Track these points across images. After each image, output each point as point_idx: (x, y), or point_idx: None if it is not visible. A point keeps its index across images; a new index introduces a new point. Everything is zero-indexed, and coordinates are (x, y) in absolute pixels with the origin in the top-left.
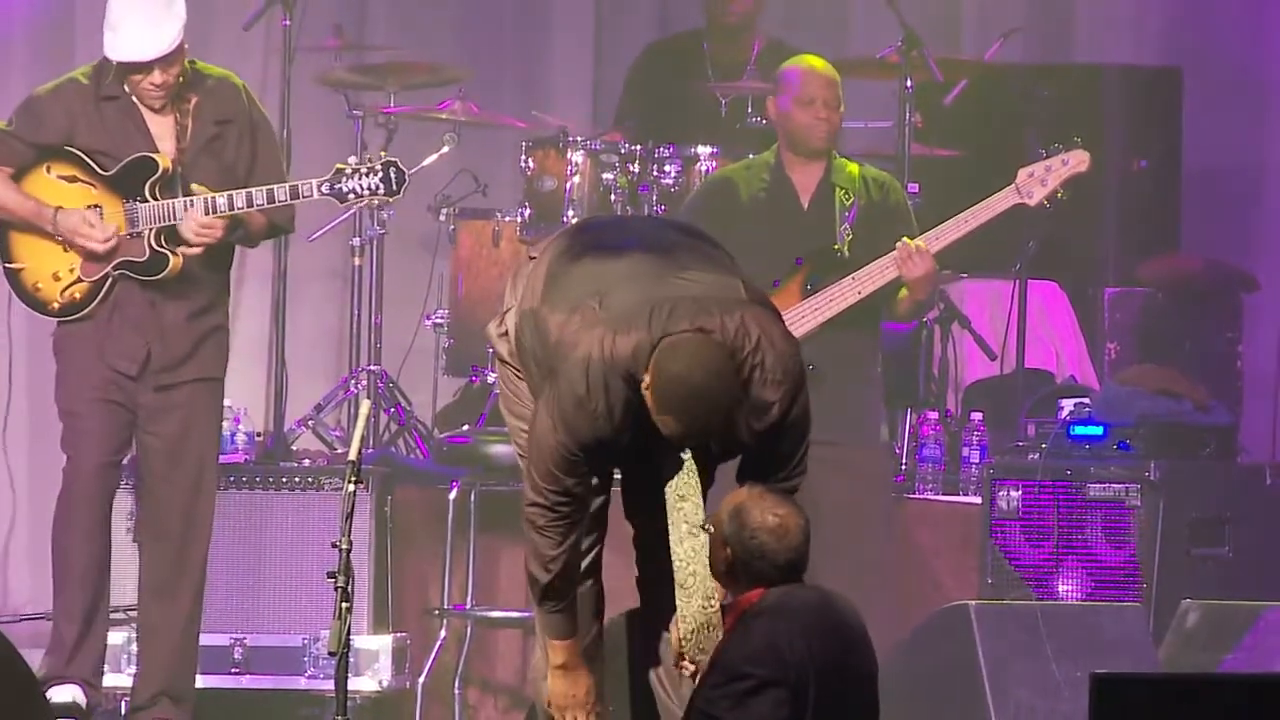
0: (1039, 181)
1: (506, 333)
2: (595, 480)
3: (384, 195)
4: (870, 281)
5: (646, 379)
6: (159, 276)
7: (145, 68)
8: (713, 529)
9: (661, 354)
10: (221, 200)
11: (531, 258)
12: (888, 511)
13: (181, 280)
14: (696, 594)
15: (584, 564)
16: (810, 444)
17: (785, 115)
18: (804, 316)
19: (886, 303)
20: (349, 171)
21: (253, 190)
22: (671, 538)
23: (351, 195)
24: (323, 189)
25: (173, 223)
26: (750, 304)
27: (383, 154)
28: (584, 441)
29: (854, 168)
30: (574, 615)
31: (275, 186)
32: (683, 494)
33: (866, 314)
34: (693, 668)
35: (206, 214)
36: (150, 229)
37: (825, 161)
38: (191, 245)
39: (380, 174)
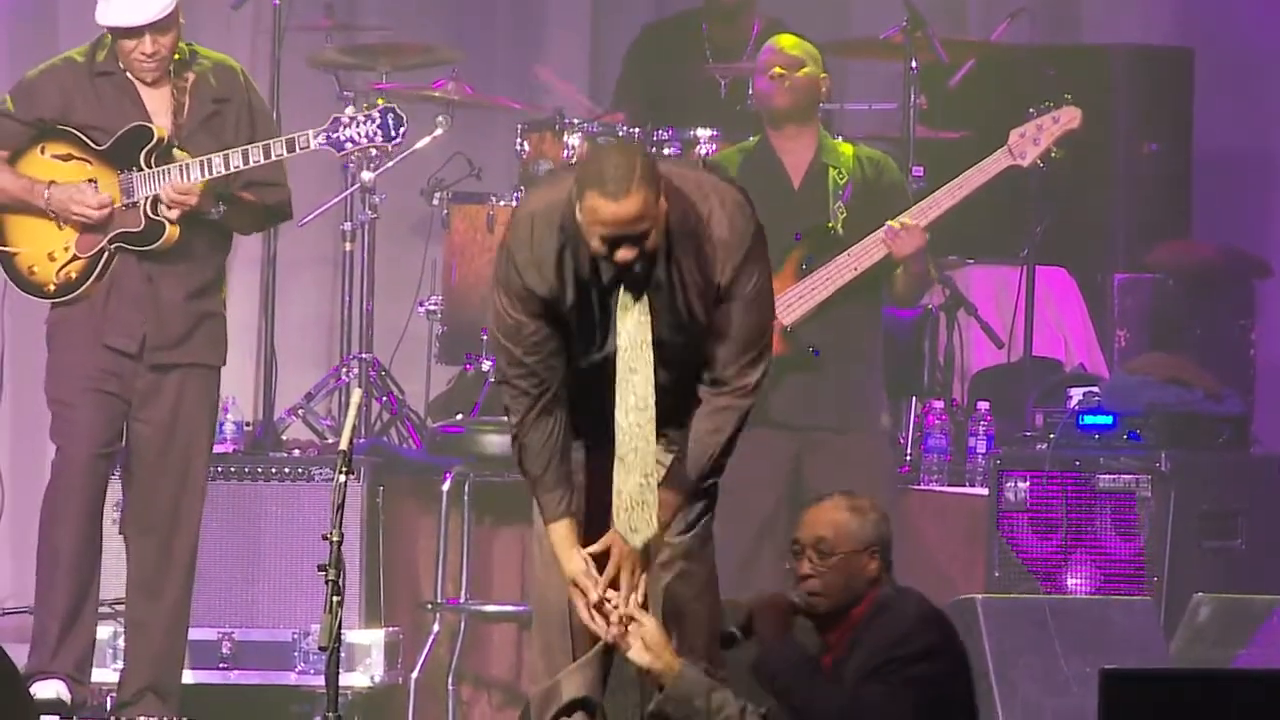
0: (1031, 141)
1: None
2: (551, 352)
3: (382, 141)
4: (866, 256)
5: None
6: (156, 245)
7: (136, 34)
8: (833, 540)
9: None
10: (218, 160)
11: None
12: (889, 502)
13: (180, 257)
14: (635, 470)
15: (549, 443)
16: (806, 427)
17: (758, 93)
18: (801, 297)
19: (886, 285)
20: (346, 120)
21: (249, 148)
22: (618, 410)
23: (349, 144)
24: (319, 140)
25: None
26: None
27: (380, 101)
28: (520, 297)
29: (847, 147)
30: (552, 498)
31: (272, 141)
32: (633, 367)
33: (866, 297)
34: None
35: (203, 175)
36: (146, 198)
37: (814, 140)
38: (171, 214)
39: (378, 121)
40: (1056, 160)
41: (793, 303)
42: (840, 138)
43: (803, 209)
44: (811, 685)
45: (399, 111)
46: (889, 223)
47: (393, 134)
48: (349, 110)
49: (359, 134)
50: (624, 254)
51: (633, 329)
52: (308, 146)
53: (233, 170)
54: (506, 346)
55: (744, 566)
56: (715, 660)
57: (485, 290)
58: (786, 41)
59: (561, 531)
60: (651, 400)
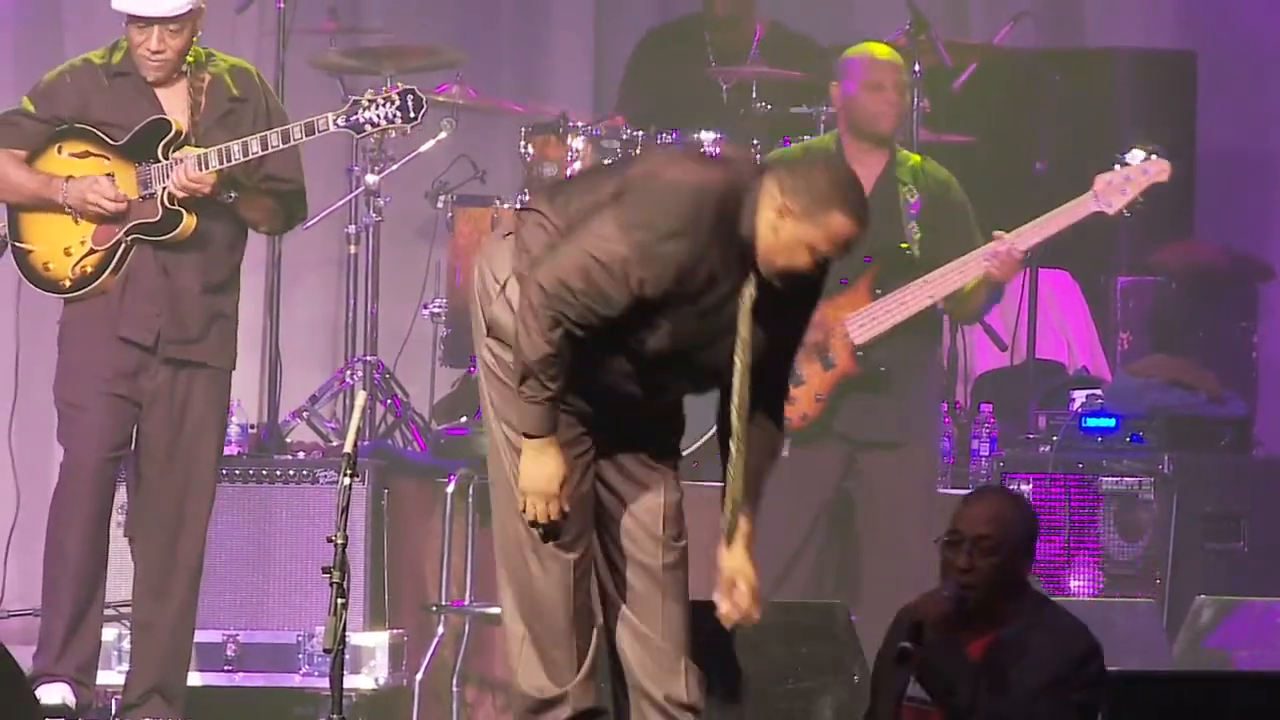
0: (1118, 190)
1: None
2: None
3: (401, 123)
4: (943, 286)
5: (779, 200)
6: (173, 234)
7: (145, 28)
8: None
9: (785, 167)
10: (235, 147)
11: (508, 234)
12: (925, 512)
13: (196, 249)
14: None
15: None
16: (862, 441)
17: (851, 100)
18: (875, 319)
19: (952, 298)
20: (365, 103)
21: (267, 134)
22: (734, 404)
23: (368, 125)
24: (338, 122)
25: None
26: None
27: (398, 84)
28: (637, 261)
29: (916, 159)
30: (555, 414)
31: (291, 125)
32: (743, 361)
33: (927, 312)
34: None
35: (220, 163)
36: (163, 187)
37: (888, 153)
38: (178, 196)
39: (397, 103)
40: (1139, 209)
41: (865, 323)
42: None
43: (874, 222)
44: (990, 697)
45: (418, 93)
46: (998, 231)
47: (412, 115)
48: (368, 92)
49: (378, 116)
50: (818, 270)
51: (743, 329)
52: (327, 129)
53: (251, 156)
54: (582, 301)
55: (789, 565)
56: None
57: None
58: (893, 57)
59: (551, 442)
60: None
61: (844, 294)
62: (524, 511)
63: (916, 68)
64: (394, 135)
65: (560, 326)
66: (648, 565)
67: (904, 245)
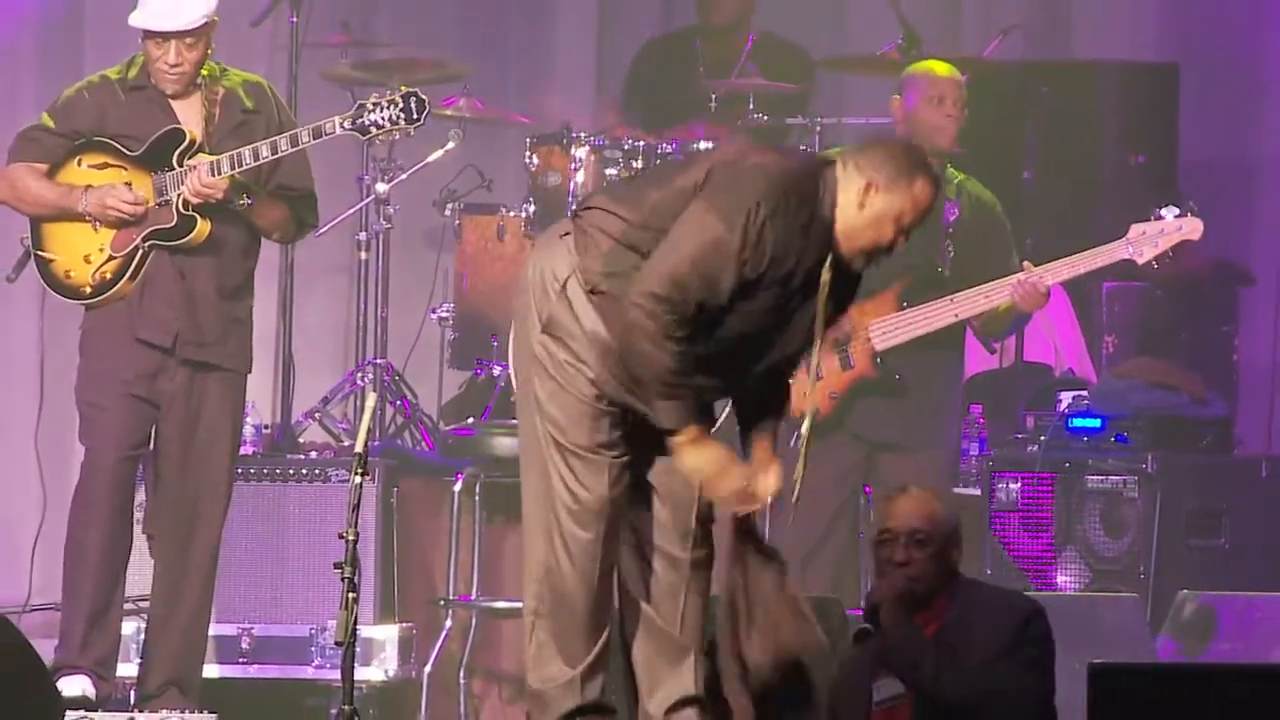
0: (1150, 242)
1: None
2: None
3: (405, 124)
4: (969, 308)
5: (862, 178)
6: (188, 238)
7: (162, 43)
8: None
9: (854, 150)
10: (246, 153)
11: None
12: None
13: (211, 254)
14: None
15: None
16: (879, 443)
17: (913, 114)
18: (898, 328)
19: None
20: (370, 106)
21: (277, 138)
22: (809, 377)
23: (374, 128)
24: (345, 125)
25: None
26: None
27: (402, 87)
28: (749, 246)
29: (961, 176)
30: (693, 403)
31: (299, 129)
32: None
33: (956, 327)
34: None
35: (232, 168)
36: (179, 194)
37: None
38: (192, 201)
39: (401, 105)
40: (1164, 264)
41: (888, 331)
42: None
43: (912, 236)
44: (951, 669)
45: (421, 95)
46: (1028, 264)
47: (415, 117)
48: (373, 96)
49: (383, 118)
50: (903, 242)
51: (824, 308)
52: (334, 132)
53: (262, 160)
54: (696, 297)
55: (806, 561)
56: None
57: (497, 296)
58: (954, 75)
59: (701, 431)
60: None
61: (872, 300)
62: (714, 507)
63: None
64: (398, 137)
65: (678, 329)
66: (676, 558)
67: (939, 268)
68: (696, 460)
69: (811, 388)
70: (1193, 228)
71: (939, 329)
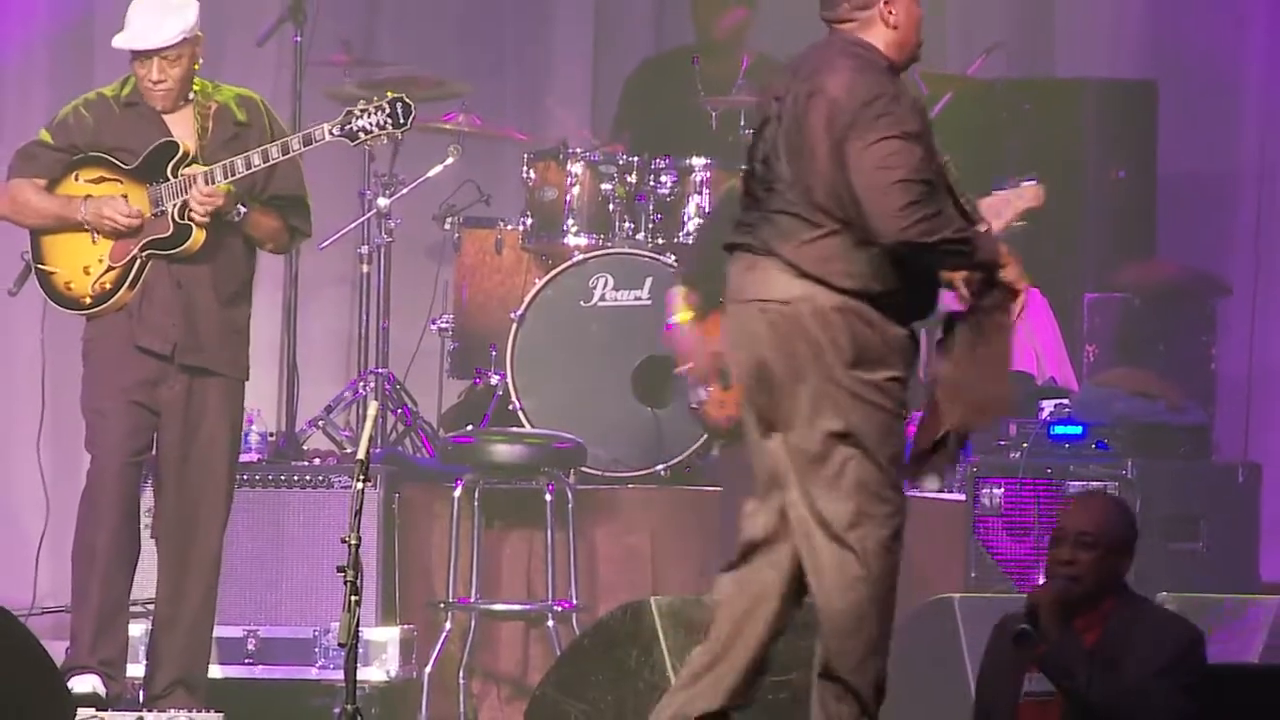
0: (995, 213)
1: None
2: None
3: (393, 129)
4: None
5: (876, 7)
6: (184, 247)
7: (145, 61)
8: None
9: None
10: (239, 162)
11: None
12: None
13: (207, 262)
14: None
15: None
16: None
17: None
18: None
19: None
20: (358, 112)
21: (268, 146)
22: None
23: (362, 133)
24: (334, 131)
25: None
26: None
27: (389, 93)
28: (922, 127)
29: None
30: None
31: (290, 138)
32: None
33: None
34: None
35: (225, 177)
36: (174, 204)
37: None
38: (199, 217)
39: (388, 110)
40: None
41: None
42: None
43: None
44: (1104, 680)
45: (407, 100)
46: None
47: (402, 121)
48: (360, 102)
49: (370, 123)
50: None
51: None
52: (323, 139)
53: (254, 168)
54: (925, 182)
55: (703, 572)
56: None
57: (495, 308)
58: None
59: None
60: None
61: None
62: None
63: None
64: (386, 142)
65: (929, 209)
66: None
67: None
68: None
69: None
70: (1034, 194)
71: None
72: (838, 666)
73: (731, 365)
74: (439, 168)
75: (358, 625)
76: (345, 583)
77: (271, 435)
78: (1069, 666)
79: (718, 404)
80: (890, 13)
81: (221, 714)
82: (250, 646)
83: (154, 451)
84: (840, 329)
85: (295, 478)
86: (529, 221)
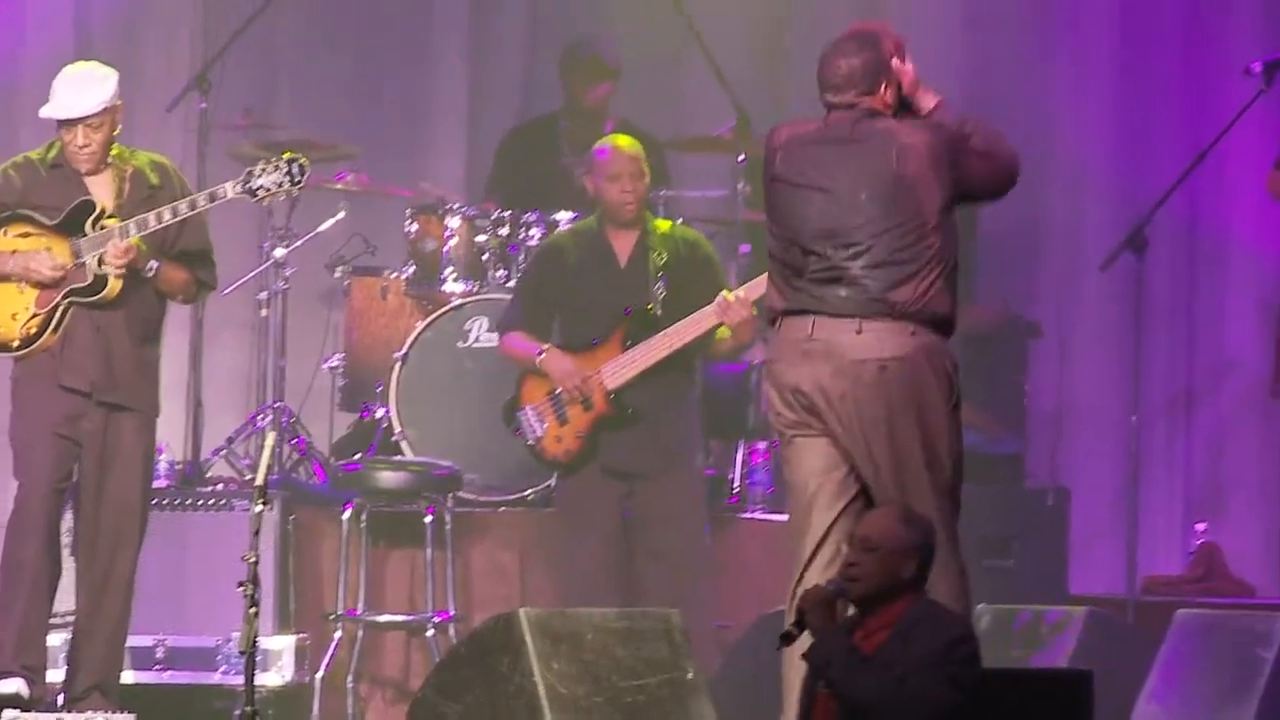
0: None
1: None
2: None
3: (289, 186)
4: (681, 336)
5: (884, 84)
6: (101, 295)
7: (70, 128)
8: (879, 542)
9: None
10: (152, 218)
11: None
12: (699, 530)
13: (124, 309)
14: None
15: None
16: (631, 473)
17: (599, 190)
18: (625, 367)
19: (704, 346)
20: (258, 171)
21: (177, 203)
22: None
23: (262, 190)
24: (236, 189)
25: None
26: None
27: (285, 154)
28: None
29: (665, 224)
30: None
31: (197, 195)
32: None
33: (679, 359)
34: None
35: (137, 231)
36: (92, 256)
37: (640, 228)
38: (115, 269)
39: (285, 169)
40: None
41: (617, 371)
42: (661, 213)
43: (627, 288)
44: (860, 671)
45: (303, 161)
46: (723, 294)
47: (298, 179)
48: (260, 163)
49: (269, 182)
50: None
51: None
52: (226, 196)
53: (164, 223)
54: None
55: (587, 585)
56: None
57: (380, 348)
58: (631, 147)
59: None
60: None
61: (602, 348)
62: None
63: (741, 157)
64: (284, 199)
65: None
66: None
67: (650, 306)
68: None
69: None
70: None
71: (661, 360)
72: None
73: (859, 425)
74: (330, 222)
75: (256, 635)
76: (245, 596)
77: (179, 464)
78: (829, 659)
79: (554, 439)
80: (891, 83)
81: (134, 715)
82: (159, 654)
83: (75, 479)
84: (945, 373)
85: (200, 502)
86: (411, 270)
